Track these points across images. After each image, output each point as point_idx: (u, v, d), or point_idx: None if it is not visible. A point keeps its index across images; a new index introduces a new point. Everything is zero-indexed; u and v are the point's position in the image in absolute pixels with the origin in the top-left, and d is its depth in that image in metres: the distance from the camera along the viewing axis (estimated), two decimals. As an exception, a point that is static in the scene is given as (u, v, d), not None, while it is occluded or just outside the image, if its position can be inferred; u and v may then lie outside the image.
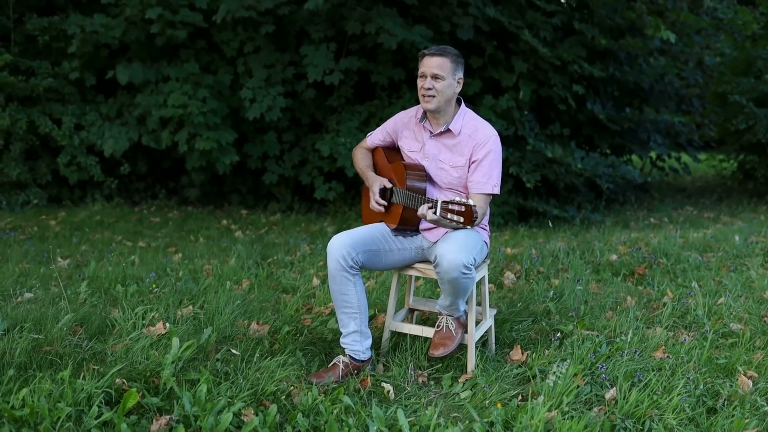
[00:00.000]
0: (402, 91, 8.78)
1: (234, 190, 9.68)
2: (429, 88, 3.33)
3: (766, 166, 11.09)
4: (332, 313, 4.19)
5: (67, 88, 9.07)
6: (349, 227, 8.29)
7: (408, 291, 3.84)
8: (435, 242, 3.43)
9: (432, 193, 3.46)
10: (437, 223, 3.09)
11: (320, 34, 8.38)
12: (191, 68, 8.44)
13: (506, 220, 8.50)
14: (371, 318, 4.15)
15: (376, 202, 3.46)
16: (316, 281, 5.08)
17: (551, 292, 4.70)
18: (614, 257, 5.92)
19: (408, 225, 3.43)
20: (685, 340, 3.78)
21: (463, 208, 2.92)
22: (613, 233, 7.80)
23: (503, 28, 8.47)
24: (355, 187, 9.11)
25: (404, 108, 8.93)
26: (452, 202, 2.95)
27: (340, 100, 8.75)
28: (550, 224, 8.15)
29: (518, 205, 8.60)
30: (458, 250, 3.07)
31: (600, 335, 3.86)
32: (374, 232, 3.43)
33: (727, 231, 7.70)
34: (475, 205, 2.91)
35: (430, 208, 3.06)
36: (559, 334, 3.85)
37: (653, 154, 10.92)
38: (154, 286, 4.62)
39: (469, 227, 2.92)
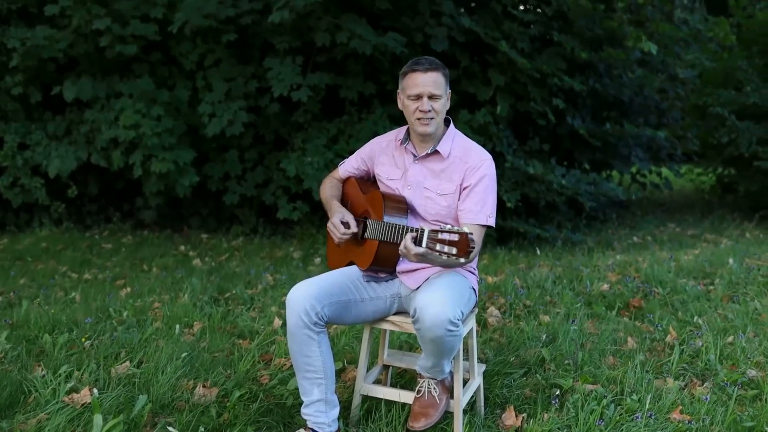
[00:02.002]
0: (373, 107, 8.26)
1: (194, 212, 9.05)
2: (428, 111, 2.83)
3: (748, 180, 10.76)
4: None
5: (10, 104, 8.38)
6: (316, 252, 7.72)
7: (382, 344, 3.29)
8: (415, 289, 2.89)
9: (415, 224, 2.94)
10: (423, 259, 2.56)
11: (285, 45, 7.82)
12: (145, 84, 7.83)
13: (485, 242, 7.98)
14: (339, 372, 3.59)
15: (337, 231, 2.92)
16: (277, 322, 4.51)
17: (543, 335, 4.18)
18: (605, 287, 5.44)
19: (383, 265, 2.89)
20: (706, 398, 3.26)
21: (455, 237, 2.40)
22: (599, 256, 7.34)
23: (479, 39, 8.00)
24: (323, 207, 8.52)
25: (375, 124, 8.55)
26: (442, 231, 2.44)
27: (306, 115, 8.20)
28: (537, 251, 7.65)
29: (497, 225, 8.09)
30: (442, 302, 2.53)
31: (605, 390, 3.34)
32: (342, 279, 2.87)
33: (718, 253, 7.28)
34: (471, 233, 2.39)
35: (414, 239, 2.53)
36: (558, 392, 3.32)
37: (634, 169, 10.52)
38: (84, 339, 3.99)
39: (464, 260, 2.40)
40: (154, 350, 3.71)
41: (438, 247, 2.42)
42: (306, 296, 2.71)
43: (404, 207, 2.91)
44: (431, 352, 2.68)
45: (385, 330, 3.23)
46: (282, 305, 5.07)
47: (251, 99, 8.02)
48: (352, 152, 8.23)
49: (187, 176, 7.69)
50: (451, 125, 3.00)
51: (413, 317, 2.61)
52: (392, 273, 2.96)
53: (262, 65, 7.94)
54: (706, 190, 13.37)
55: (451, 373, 2.95)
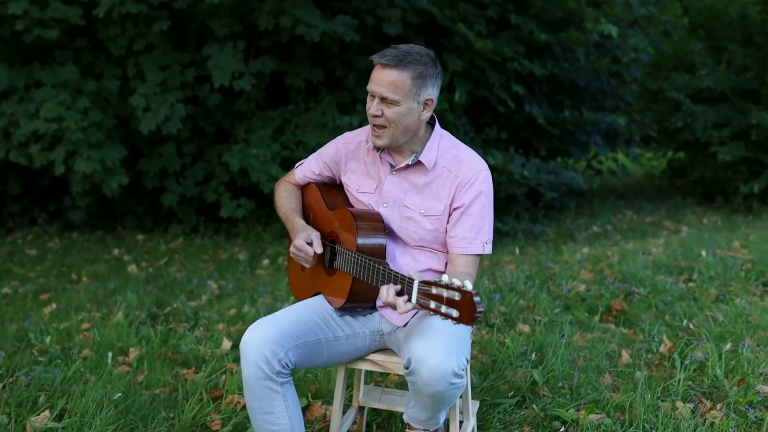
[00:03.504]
0: (321, 95, 7.69)
1: (128, 211, 8.32)
2: (376, 115, 2.30)
3: (702, 166, 10.59)
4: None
5: None
6: (263, 252, 7.14)
7: (357, 382, 2.78)
8: (403, 326, 2.38)
9: (395, 256, 2.40)
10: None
11: (225, 30, 7.16)
12: (69, 72, 7.07)
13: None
14: (304, 410, 3.07)
15: (306, 256, 2.39)
16: (226, 345, 3.95)
17: (530, 351, 3.73)
18: (582, 287, 5.05)
19: (360, 301, 2.37)
20: (733, 432, 2.86)
21: (456, 296, 1.85)
22: (565, 249, 6.98)
23: (434, 22, 7.51)
24: (269, 203, 7.93)
25: (324, 114, 7.97)
26: (437, 284, 1.90)
27: (249, 105, 7.57)
28: (518, 249, 7.21)
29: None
30: (444, 351, 2.03)
31: (612, 421, 2.91)
32: (310, 314, 2.35)
33: (685, 243, 7.01)
34: (475, 292, 1.85)
35: (400, 293, 2.01)
36: (561, 429, 2.87)
37: (591, 156, 10.23)
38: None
39: (469, 325, 1.86)
40: (81, 392, 3.12)
41: (433, 305, 1.89)
42: (265, 341, 2.18)
43: (381, 227, 2.38)
44: (428, 406, 2.18)
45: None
46: (231, 321, 4.52)
47: (188, 89, 7.34)
48: (299, 144, 7.82)
49: (116, 177, 6.98)
50: (437, 127, 2.47)
51: (407, 368, 2.09)
52: (372, 307, 2.44)
53: (200, 52, 7.28)
54: (657, 175, 13.26)
55: (447, 422, 2.46)
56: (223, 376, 3.52)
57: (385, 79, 2.26)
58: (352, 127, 7.34)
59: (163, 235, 7.95)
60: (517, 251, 6.91)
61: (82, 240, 7.72)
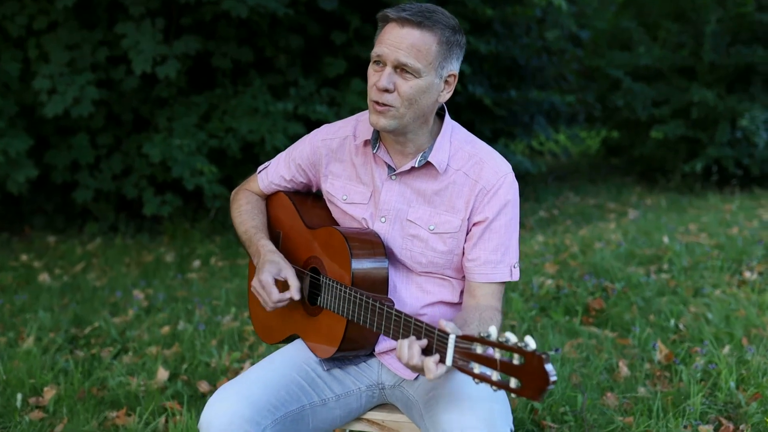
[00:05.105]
0: (250, 77, 7.01)
1: (36, 209, 7.45)
2: (386, 89, 1.73)
3: (641, 144, 10.45)
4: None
5: None
6: (193, 252, 6.46)
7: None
8: (413, 380, 1.85)
9: (396, 286, 1.86)
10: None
11: (141, 8, 6.39)
12: (-41, 54, 6.18)
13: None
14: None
15: (268, 297, 1.82)
16: (162, 374, 3.34)
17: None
18: (550, 282, 4.66)
19: (355, 349, 1.83)
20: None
21: (516, 359, 1.35)
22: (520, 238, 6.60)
23: (372, -4, 6.94)
24: (197, 197, 7.23)
25: (255, 98, 7.26)
26: (485, 341, 1.38)
27: (171, 90, 6.83)
28: None
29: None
30: (489, 427, 1.51)
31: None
32: (289, 373, 1.79)
33: (643, 228, 6.76)
34: (546, 356, 1.33)
35: (427, 350, 1.48)
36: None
37: (535, 138, 9.92)
38: None
39: (536, 401, 1.35)
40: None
41: (478, 369, 1.38)
42: (236, 418, 1.62)
43: (381, 251, 1.83)
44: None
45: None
46: (165, 342, 3.90)
47: (101, 71, 6.54)
48: (229, 131, 7.10)
49: (23, 169, 6.15)
50: (447, 118, 1.92)
51: None
52: (368, 353, 1.90)
53: (113, 30, 6.48)
54: (593, 155, 13.15)
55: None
56: (163, 419, 2.92)
57: (405, 41, 1.72)
58: (287, 114, 6.72)
59: (78, 235, 7.14)
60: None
61: (-17, 244, 6.85)
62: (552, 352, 3.38)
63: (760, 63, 9.29)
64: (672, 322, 3.95)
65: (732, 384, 3.07)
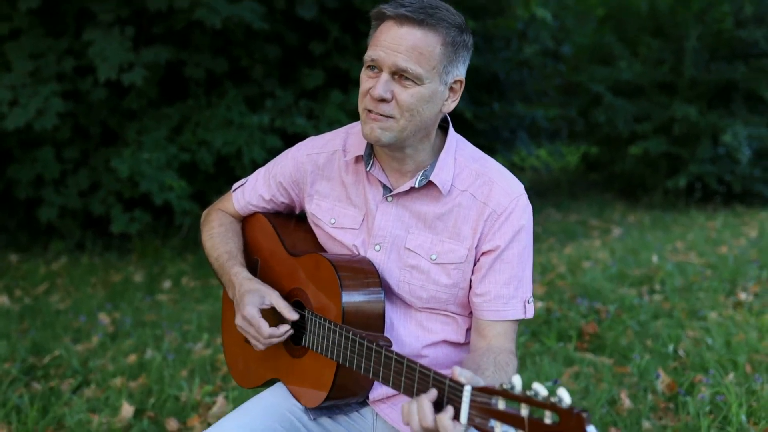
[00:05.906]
0: (224, 87, 6.75)
1: (-3, 226, 7.11)
2: (383, 99, 1.50)
3: (621, 160, 10.34)
4: None
5: None
6: (163, 272, 6.15)
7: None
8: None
9: (393, 323, 1.62)
10: None
11: (110, 15, 6.11)
12: None
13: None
14: None
15: (259, 335, 1.57)
16: (127, 410, 3.05)
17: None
18: (540, 304, 4.46)
19: (345, 396, 1.57)
20: None
21: (548, 417, 1.11)
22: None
23: (351, 5, 6.72)
24: (168, 214, 6.91)
25: (229, 110, 6.98)
26: (508, 394, 1.15)
27: (141, 101, 6.54)
28: None
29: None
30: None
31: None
32: (270, 424, 1.54)
33: (629, 246, 6.59)
34: (587, 414, 1.09)
35: (438, 404, 1.24)
36: None
37: (518, 154, 9.76)
38: None
39: None
40: None
41: (501, 429, 1.15)
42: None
43: (376, 281, 1.59)
44: None
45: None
46: (131, 372, 3.60)
47: (68, 81, 6.24)
48: (202, 144, 6.81)
49: (-17, 185, 5.83)
50: (450, 132, 1.69)
51: None
52: (361, 401, 1.65)
53: (81, 38, 6.19)
54: (572, 170, 13.05)
55: None
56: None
57: (405, 41, 1.49)
58: (262, 127, 6.45)
59: (42, 254, 6.79)
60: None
61: (-60, 263, 6.48)
62: (550, 384, 3.15)
63: (741, 79, 9.23)
64: (671, 347, 3.75)
65: (744, 418, 2.86)
